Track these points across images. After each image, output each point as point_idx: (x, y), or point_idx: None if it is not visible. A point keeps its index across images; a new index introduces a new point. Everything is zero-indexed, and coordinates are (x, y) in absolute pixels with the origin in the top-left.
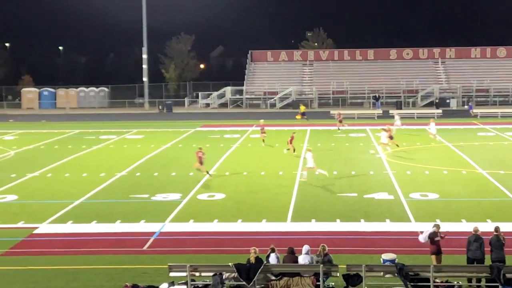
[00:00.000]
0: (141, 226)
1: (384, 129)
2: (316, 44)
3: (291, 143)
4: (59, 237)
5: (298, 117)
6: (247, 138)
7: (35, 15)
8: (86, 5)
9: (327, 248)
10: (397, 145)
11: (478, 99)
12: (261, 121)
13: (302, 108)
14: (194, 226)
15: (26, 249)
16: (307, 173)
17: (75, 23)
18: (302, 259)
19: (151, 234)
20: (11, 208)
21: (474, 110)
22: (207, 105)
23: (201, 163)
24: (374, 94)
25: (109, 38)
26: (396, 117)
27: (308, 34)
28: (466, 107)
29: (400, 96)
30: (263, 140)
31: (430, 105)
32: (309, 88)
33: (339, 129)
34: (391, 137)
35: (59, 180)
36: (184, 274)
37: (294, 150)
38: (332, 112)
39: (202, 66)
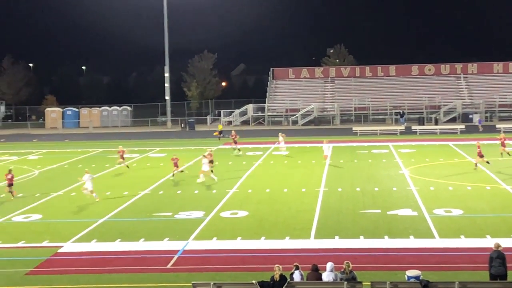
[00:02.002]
0: (165, 244)
1: (205, 156)
2: (337, 60)
3: (176, 166)
4: (84, 256)
5: (216, 133)
6: (270, 155)
7: (58, 36)
8: (109, 25)
9: (351, 265)
10: (212, 171)
11: (501, 114)
12: (120, 147)
13: (220, 127)
14: (217, 244)
15: (50, 268)
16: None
17: (98, 43)
18: (326, 276)
19: (174, 252)
20: (36, 227)
21: (497, 126)
22: (229, 122)
23: (10, 185)
24: (397, 110)
25: (132, 58)
26: (280, 138)
27: (330, 51)
28: (475, 122)
29: (423, 112)
30: (128, 166)
31: (452, 120)
32: (331, 105)
33: (239, 149)
34: (211, 162)
35: (83, 199)
36: None
37: (181, 171)
38: (356, 128)
39: (224, 84)
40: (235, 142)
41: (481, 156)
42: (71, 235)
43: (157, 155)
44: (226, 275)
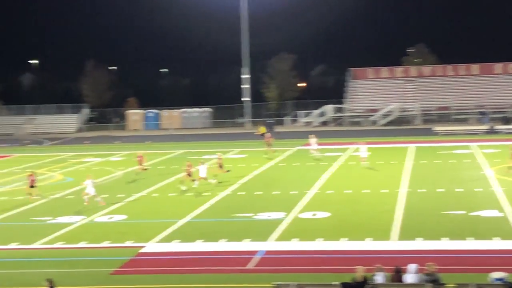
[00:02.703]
0: (245, 245)
1: (202, 162)
2: (418, 60)
3: (189, 175)
4: (166, 256)
5: (257, 133)
6: (349, 156)
7: (139, 40)
8: (189, 28)
9: (434, 267)
10: (206, 182)
11: None
12: (139, 152)
13: (262, 129)
14: (297, 244)
15: (134, 268)
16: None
17: (178, 46)
18: (410, 278)
19: (254, 252)
20: (119, 227)
21: None
22: (308, 123)
23: (32, 186)
24: (480, 110)
25: (211, 59)
26: (313, 140)
27: (410, 50)
28: None
29: (506, 111)
30: (143, 170)
31: None
32: (412, 105)
33: (272, 152)
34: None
35: (165, 200)
36: None
37: (192, 180)
38: (435, 129)
39: (302, 84)
40: (269, 145)
41: None
42: (154, 235)
43: (237, 156)
44: (307, 276)
